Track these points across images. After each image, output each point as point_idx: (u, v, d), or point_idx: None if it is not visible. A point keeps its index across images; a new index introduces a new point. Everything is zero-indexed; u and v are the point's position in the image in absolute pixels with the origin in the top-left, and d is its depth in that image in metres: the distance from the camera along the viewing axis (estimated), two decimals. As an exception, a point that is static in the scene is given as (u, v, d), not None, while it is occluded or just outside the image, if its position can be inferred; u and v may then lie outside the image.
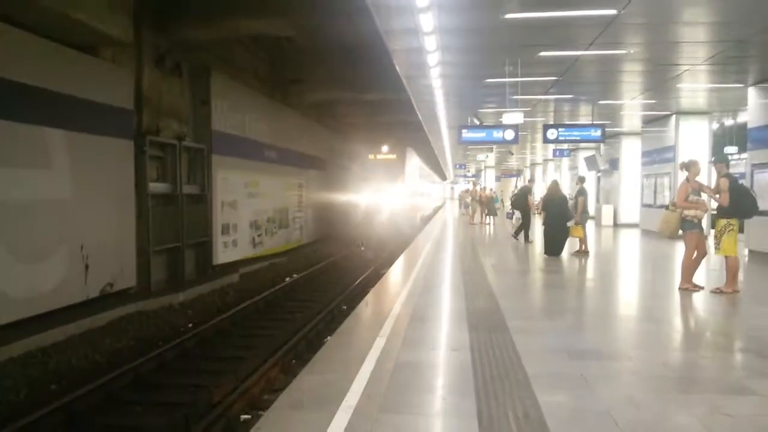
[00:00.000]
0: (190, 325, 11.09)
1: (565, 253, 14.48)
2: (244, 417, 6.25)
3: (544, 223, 14.89)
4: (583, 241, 14.70)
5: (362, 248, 23.98)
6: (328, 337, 6.63)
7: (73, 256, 10.43)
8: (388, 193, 27.34)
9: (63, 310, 10.03)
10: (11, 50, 9.09)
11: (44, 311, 9.63)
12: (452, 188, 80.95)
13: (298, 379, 5.12)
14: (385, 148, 28.43)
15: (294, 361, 8.59)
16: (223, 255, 15.89)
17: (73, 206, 10.43)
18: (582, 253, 14.54)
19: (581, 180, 15.87)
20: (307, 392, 4.74)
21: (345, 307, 12.03)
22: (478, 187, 35.08)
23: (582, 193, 15.03)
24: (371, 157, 28.31)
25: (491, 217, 28.37)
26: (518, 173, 48.53)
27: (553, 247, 14.23)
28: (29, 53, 9.51)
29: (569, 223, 14.58)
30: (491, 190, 32.89)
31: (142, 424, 6.37)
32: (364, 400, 4.48)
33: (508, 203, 31.87)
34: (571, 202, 15.48)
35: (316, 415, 4.19)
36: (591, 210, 28.81)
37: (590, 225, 25.60)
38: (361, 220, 27.77)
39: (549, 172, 41.41)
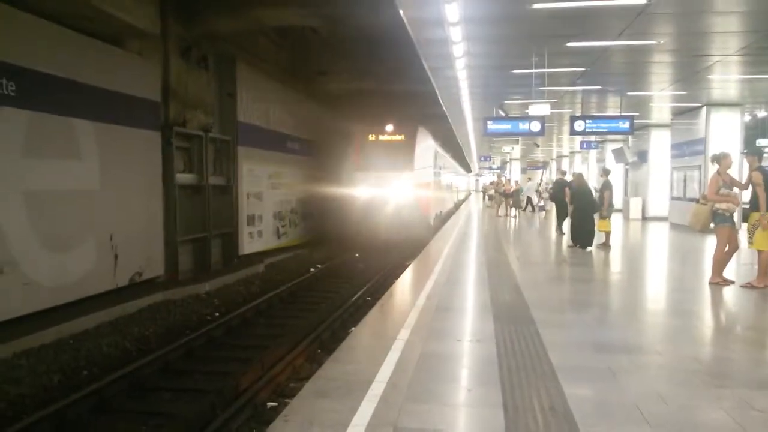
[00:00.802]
0: (217, 314, 11.22)
1: (597, 246, 14.40)
2: (270, 404, 6.32)
3: (572, 216, 14.93)
4: (608, 234, 14.56)
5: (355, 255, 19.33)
6: (353, 328, 6.66)
7: (102, 246, 10.61)
8: (390, 185, 19.65)
9: (93, 298, 10.23)
10: (42, 43, 9.24)
11: (76, 299, 9.83)
12: (477, 180, 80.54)
13: (323, 368, 5.16)
14: (389, 128, 20.48)
15: (319, 350, 8.65)
16: (248, 245, 16.03)
17: (102, 197, 10.60)
18: (605, 246, 14.39)
19: (606, 173, 15.75)
20: (333, 381, 4.77)
21: (369, 299, 12.07)
22: (503, 179, 34.88)
23: (607, 186, 14.89)
24: (371, 138, 20.49)
25: (517, 210, 28.20)
26: (544, 165, 48.08)
27: (582, 239, 14.23)
28: (60, 45, 9.67)
29: (595, 216, 14.51)
30: (516, 182, 32.50)
31: (171, 410, 6.48)
32: (390, 390, 4.50)
33: (533, 196, 31.60)
34: (596, 195, 15.38)
35: (341, 404, 4.22)
36: (618, 203, 28.76)
37: (617, 218, 25.47)
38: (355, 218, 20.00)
39: (576, 165, 40.99)
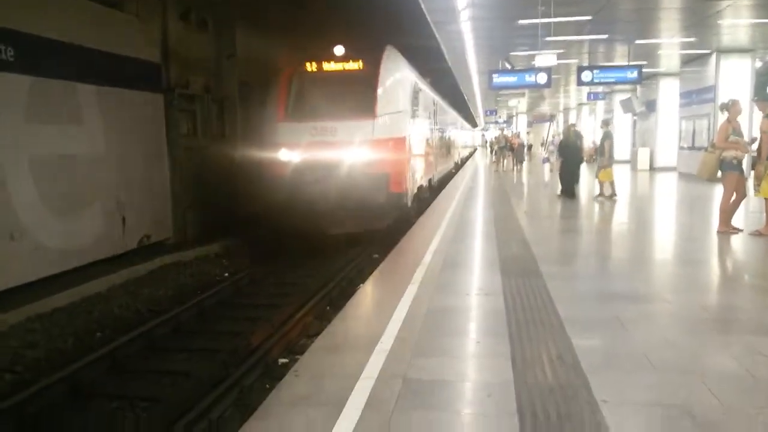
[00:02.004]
0: (226, 274, 11.30)
1: (595, 198, 14.41)
2: (281, 361, 6.40)
3: (560, 167, 15.81)
4: (612, 185, 14.50)
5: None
6: (361, 285, 6.70)
7: (109, 210, 10.65)
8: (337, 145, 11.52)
9: (103, 261, 10.32)
10: (41, 7, 9.10)
11: (86, 263, 9.92)
12: (483, 135, 79.86)
13: (332, 324, 5.21)
14: (338, 51, 12.32)
15: (328, 307, 8.73)
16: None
17: (107, 160, 10.59)
18: (611, 197, 14.34)
19: (606, 123, 15.86)
20: (342, 337, 4.82)
21: (377, 256, 12.05)
22: (508, 133, 34.60)
23: (607, 136, 14.89)
24: (308, 68, 12.37)
25: (520, 163, 28.17)
26: (551, 118, 47.55)
27: (569, 189, 14.89)
28: (59, 10, 9.53)
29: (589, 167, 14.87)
30: (519, 136, 32.20)
31: (184, 368, 6.57)
32: (398, 344, 4.53)
33: (539, 149, 31.46)
34: (589, 147, 15.75)
35: (351, 358, 4.27)
36: (626, 154, 28.56)
37: (624, 169, 25.30)
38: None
39: (583, 116, 40.52)
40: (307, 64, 12.19)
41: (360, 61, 12.06)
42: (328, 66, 12.17)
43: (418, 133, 13.86)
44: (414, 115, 13.09)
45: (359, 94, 11.66)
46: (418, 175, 13.59)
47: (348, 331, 4.97)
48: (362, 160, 11.15)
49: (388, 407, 3.47)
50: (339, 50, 12.10)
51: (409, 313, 5.33)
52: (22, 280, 8.62)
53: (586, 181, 18.02)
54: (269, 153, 11.62)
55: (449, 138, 25.23)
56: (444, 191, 17.88)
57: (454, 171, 27.31)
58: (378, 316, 5.27)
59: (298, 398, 3.67)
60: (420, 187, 13.98)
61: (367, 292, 6.33)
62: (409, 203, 12.45)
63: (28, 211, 8.81)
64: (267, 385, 5.66)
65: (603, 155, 14.67)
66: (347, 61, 12.14)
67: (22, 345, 7.22)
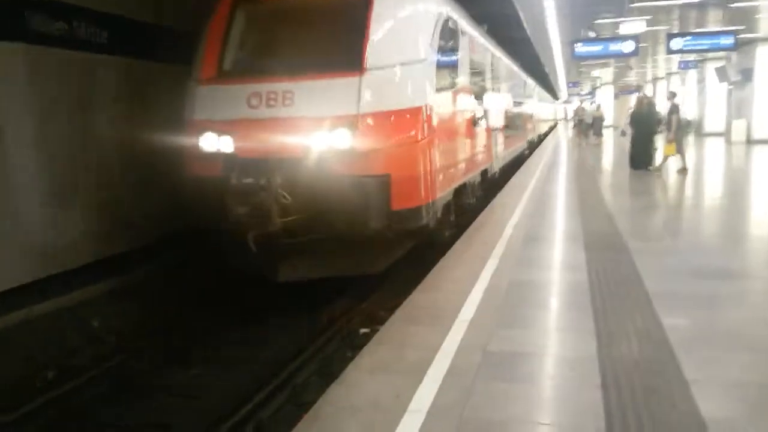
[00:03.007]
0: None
1: (672, 171, 13.76)
2: (363, 330, 6.51)
3: (632, 139, 15.12)
4: (682, 158, 13.91)
5: None
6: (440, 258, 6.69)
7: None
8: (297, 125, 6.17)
9: None
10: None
11: None
12: (565, 108, 77.53)
13: (412, 296, 5.24)
14: None
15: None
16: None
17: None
18: (682, 171, 13.74)
19: (672, 96, 15.10)
20: (422, 308, 4.85)
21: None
22: (588, 105, 33.49)
23: (674, 110, 14.17)
24: None
25: (598, 137, 27.34)
26: (638, 89, 45.55)
27: (640, 161, 14.33)
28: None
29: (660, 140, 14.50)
30: (598, 108, 30.98)
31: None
32: (479, 315, 4.53)
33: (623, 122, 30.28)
34: (664, 118, 14.89)
35: (432, 329, 4.30)
36: (720, 126, 27.06)
37: (718, 142, 24.01)
38: None
39: (673, 87, 38.59)
40: None
41: None
42: None
43: (456, 101, 8.01)
44: (446, 71, 7.66)
45: (336, 33, 6.66)
46: (455, 171, 7.89)
47: (428, 302, 4.99)
48: (341, 151, 6.05)
49: (469, 378, 3.49)
50: None
51: (490, 285, 5.30)
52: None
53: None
54: (183, 139, 6.68)
55: (520, 110, 18.72)
56: (520, 170, 16.08)
57: (527, 152, 21.36)
58: (458, 288, 5.27)
59: (379, 366, 3.75)
60: (460, 191, 8.33)
61: (447, 264, 6.32)
62: (435, 223, 6.73)
63: None
64: (349, 354, 5.78)
65: (670, 129, 14.06)
66: None
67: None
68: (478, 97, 10.01)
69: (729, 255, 6.41)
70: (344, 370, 3.79)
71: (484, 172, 10.43)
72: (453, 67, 8.13)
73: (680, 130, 14.20)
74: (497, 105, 12.56)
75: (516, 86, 17.31)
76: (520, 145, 18.22)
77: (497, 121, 12.30)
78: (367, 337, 5.57)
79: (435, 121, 6.61)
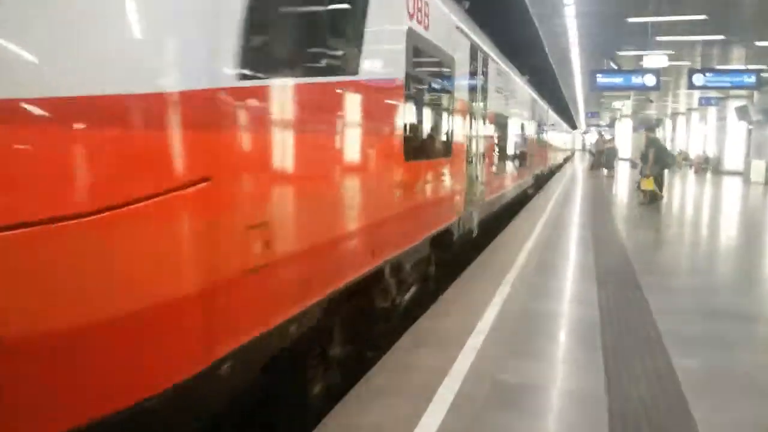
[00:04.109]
0: None
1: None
2: (370, 354, 6.47)
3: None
4: (655, 192, 14.03)
5: None
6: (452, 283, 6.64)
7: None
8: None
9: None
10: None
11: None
12: (583, 138, 77.49)
13: (421, 320, 5.20)
14: None
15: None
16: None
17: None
18: (653, 200, 13.98)
19: (651, 129, 15.27)
20: (431, 333, 4.80)
21: None
22: (605, 137, 33.60)
23: (653, 143, 14.16)
24: None
25: (608, 170, 27.33)
26: (657, 122, 45.50)
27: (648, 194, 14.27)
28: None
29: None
30: (611, 140, 31.11)
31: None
32: (488, 344, 4.48)
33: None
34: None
35: (440, 354, 4.25)
36: (739, 165, 26.90)
37: (735, 182, 23.86)
38: None
39: (692, 123, 38.49)
40: None
41: None
42: None
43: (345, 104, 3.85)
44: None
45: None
46: (327, 270, 3.64)
47: (438, 327, 4.95)
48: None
49: (476, 406, 3.44)
50: None
51: (501, 314, 5.25)
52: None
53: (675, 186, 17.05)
54: None
55: (524, 136, 14.90)
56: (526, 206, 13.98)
57: (531, 190, 17.66)
58: (469, 314, 5.22)
59: (384, 390, 3.70)
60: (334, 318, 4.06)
61: (458, 291, 6.28)
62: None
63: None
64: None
65: (646, 162, 14.08)
66: None
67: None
68: (432, 108, 6.29)
69: (741, 295, 6.32)
70: (349, 392, 3.74)
71: (441, 236, 6.53)
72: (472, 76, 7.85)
73: (658, 164, 14.10)
74: (477, 126, 8.58)
75: (517, 105, 13.45)
76: (520, 183, 14.41)
77: (478, 149, 8.55)
78: (372, 361, 5.53)
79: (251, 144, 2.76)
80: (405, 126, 4.96)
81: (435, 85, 6.32)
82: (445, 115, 6.67)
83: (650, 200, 14.04)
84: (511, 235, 9.60)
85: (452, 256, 7.17)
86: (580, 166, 37.60)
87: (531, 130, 16.44)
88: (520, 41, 18.69)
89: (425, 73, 5.76)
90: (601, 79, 15.27)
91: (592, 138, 58.06)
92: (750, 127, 27.03)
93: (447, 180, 6.62)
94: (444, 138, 6.63)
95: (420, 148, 5.57)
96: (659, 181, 14.17)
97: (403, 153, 4.88)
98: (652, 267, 7.59)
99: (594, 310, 5.44)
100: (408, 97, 5.00)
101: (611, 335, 4.74)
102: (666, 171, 14.78)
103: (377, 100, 4.40)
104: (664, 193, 14.61)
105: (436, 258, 6.62)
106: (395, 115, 4.74)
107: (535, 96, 18.28)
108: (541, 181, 20.70)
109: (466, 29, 7.37)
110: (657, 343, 4.57)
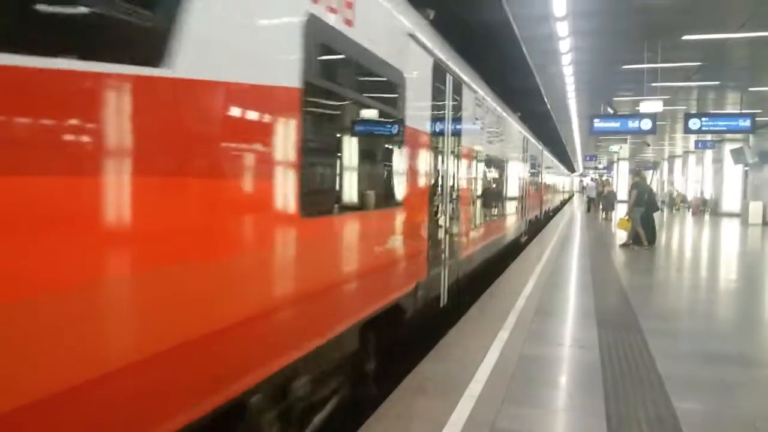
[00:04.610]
0: None
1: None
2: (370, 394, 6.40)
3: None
4: (639, 235, 14.20)
5: None
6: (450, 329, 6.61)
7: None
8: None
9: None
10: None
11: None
12: (581, 181, 77.98)
13: (420, 365, 5.16)
14: None
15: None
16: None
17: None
18: (632, 245, 14.20)
19: (636, 173, 15.62)
20: (431, 379, 4.77)
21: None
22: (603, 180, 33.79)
23: (636, 186, 14.34)
24: None
25: (610, 211, 27.39)
26: (654, 165, 45.87)
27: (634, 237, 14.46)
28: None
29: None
30: (609, 183, 31.27)
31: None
32: (488, 390, 4.44)
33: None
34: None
35: (439, 402, 4.21)
36: (736, 207, 27.04)
37: (733, 223, 23.91)
38: None
39: (689, 165, 38.81)
40: None
41: None
42: None
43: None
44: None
45: None
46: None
47: (436, 374, 4.91)
48: None
49: (475, 456, 3.39)
50: None
51: (500, 359, 5.22)
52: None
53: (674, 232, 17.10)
54: None
55: (517, 177, 14.07)
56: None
57: (524, 238, 16.21)
58: (468, 360, 5.19)
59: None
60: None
61: (457, 334, 6.25)
62: None
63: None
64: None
65: (628, 205, 14.48)
66: None
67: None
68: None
69: (742, 340, 6.28)
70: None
71: (386, 316, 4.93)
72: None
73: (638, 206, 14.26)
74: (446, 167, 7.00)
75: (503, 144, 11.88)
76: (506, 235, 12.58)
77: (448, 195, 7.06)
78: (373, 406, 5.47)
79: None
80: (302, 162, 3.30)
81: (371, 107, 4.63)
82: (390, 148, 5.10)
83: (634, 242, 14.11)
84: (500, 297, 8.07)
85: (410, 332, 5.83)
86: (579, 208, 37.72)
87: (522, 172, 15.19)
88: (518, 87, 18.97)
89: (351, 86, 4.25)
90: (598, 123, 15.44)
91: (589, 180, 56.50)
92: (746, 168, 27.28)
93: (394, 238, 5.06)
94: (389, 181, 5.04)
95: (335, 195, 4.06)
96: (649, 225, 14.29)
97: (298, 205, 3.28)
98: (652, 310, 7.57)
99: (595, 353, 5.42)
100: (311, 118, 3.49)
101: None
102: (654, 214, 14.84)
103: (224, 114, 2.68)
104: (658, 235, 14.71)
105: (378, 346, 5.06)
106: (279, 144, 3.12)
107: (527, 134, 16.14)
108: (535, 228, 19.39)
109: (426, 42, 5.86)
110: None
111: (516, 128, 13.89)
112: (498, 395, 4.37)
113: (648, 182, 16.74)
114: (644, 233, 14.18)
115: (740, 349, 5.89)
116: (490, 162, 10.17)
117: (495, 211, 11.06)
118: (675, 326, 6.93)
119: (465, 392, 4.38)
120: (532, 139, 17.56)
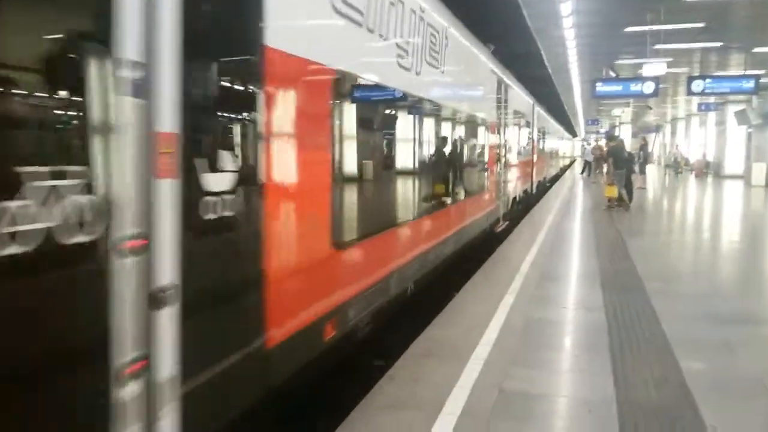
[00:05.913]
0: None
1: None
2: (377, 362, 6.47)
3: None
4: (621, 197, 13.99)
5: None
6: (456, 293, 6.66)
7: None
8: None
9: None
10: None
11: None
12: (583, 145, 77.46)
13: (427, 330, 5.22)
14: None
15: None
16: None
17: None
18: (618, 206, 13.95)
19: (611, 139, 15.44)
20: (438, 343, 4.82)
21: None
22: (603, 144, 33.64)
23: (612, 152, 14.31)
24: None
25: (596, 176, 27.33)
26: (657, 128, 45.57)
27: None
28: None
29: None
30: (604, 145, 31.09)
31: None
32: (495, 353, 4.50)
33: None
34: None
35: (447, 365, 4.27)
36: (739, 168, 26.93)
37: (737, 184, 23.88)
38: None
39: (692, 128, 38.56)
40: None
41: None
42: None
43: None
44: None
45: None
46: None
47: (444, 338, 4.97)
48: None
49: (484, 417, 3.46)
50: None
51: (506, 322, 5.27)
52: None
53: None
54: None
55: (512, 144, 12.14)
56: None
57: (504, 211, 11.66)
58: (474, 324, 5.24)
59: (392, 403, 3.72)
60: None
61: (463, 300, 6.30)
62: None
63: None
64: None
65: (608, 171, 14.22)
66: None
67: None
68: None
69: (746, 298, 6.33)
70: (356, 406, 3.74)
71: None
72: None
73: (618, 169, 14.14)
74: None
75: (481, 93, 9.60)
76: (488, 211, 10.10)
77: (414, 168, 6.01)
78: (382, 370, 5.54)
79: None
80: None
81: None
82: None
83: (618, 204, 14.05)
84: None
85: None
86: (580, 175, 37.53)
87: (517, 137, 12.91)
88: (518, 52, 18.74)
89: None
90: (600, 87, 15.31)
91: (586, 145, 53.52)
92: (749, 130, 27.10)
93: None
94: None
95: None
96: (628, 186, 14.19)
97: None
98: (656, 272, 7.62)
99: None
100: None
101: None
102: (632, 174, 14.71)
103: None
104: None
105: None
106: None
107: (505, 78, 11.31)
108: (533, 197, 17.69)
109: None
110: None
111: (483, 65, 9.75)
112: (505, 358, 4.42)
113: (649, 145, 16.56)
114: (626, 193, 14.16)
115: (744, 307, 5.94)
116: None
117: (476, 183, 9.16)
118: (678, 288, 6.98)
119: (472, 355, 4.44)
120: (515, 87, 13.25)
